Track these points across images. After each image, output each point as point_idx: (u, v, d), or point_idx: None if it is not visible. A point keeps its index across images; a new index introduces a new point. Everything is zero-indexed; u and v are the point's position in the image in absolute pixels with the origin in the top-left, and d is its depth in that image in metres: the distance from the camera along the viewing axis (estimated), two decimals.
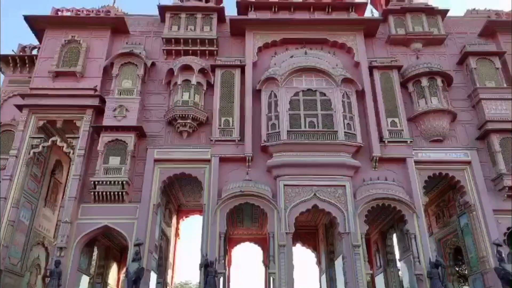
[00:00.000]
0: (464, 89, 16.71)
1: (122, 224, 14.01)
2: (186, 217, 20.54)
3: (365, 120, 15.70)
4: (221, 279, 13.62)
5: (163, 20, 17.73)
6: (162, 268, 16.88)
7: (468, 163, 15.13)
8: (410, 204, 14.15)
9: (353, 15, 18.02)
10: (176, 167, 15.00)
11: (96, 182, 14.16)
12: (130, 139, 14.77)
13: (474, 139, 15.62)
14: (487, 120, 15.42)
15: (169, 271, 18.30)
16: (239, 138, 15.12)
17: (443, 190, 16.92)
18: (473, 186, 14.83)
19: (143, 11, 25.89)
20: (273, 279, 13.40)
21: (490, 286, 13.61)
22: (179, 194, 18.68)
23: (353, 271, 13.35)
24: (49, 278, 12.96)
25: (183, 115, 15.20)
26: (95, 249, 17.08)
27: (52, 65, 16.23)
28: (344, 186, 14.47)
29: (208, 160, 14.89)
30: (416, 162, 14.99)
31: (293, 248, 14.52)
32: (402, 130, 15.42)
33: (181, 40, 17.03)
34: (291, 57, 16.48)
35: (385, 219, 17.25)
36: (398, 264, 17.04)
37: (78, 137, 15.12)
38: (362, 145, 15.05)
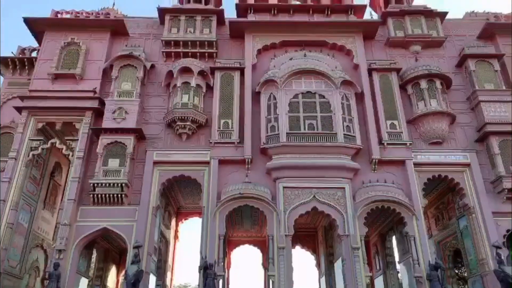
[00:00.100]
0: (463, 91, 16.74)
1: (121, 227, 13.98)
2: (185, 219, 20.51)
3: (364, 122, 15.72)
4: (220, 282, 13.61)
5: (162, 22, 17.76)
6: (161, 270, 16.85)
7: (467, 165, 15.14)
8: (409, 207, 14.16)
9: (352, 18, 18.04)
10: (175, 169, 15.01)
11: (95, 184, 14.15)
12: (129, 141, 14.77)
13: (473, 141, 15.65)
14: (486, 122, 15.45)
15: (168, 274, 18.28)
16: (238, 140, 15.13)
17: (443, 192, 16.93)
18: (473, 188, 14.85)
19: (142, 14, 25.91)
20: (273, 281, 13.39)
21: None
22: (178, 197, 18.66)
23: (352, 274, 13.35)
24: (48, 281, 12.94)
25: (183, 117, 15.21)
26: (94, 252, 17.08)
27: (51, 67, 16.24)
28: (344, 188, 14.49)
29: (208, 162, 14.89)
30: (416, 164, 15.01)
31: (293, 250, 14.52)
32: (401, 132, 15.44)
33: (181, 42, 17.06)
34: (291, 59, 16.52)
35: (384, 221, 17.23)
36: (398, 266, 17.01)
37: (77, 139, 15.15)
38: (361, 147, 15.06)
